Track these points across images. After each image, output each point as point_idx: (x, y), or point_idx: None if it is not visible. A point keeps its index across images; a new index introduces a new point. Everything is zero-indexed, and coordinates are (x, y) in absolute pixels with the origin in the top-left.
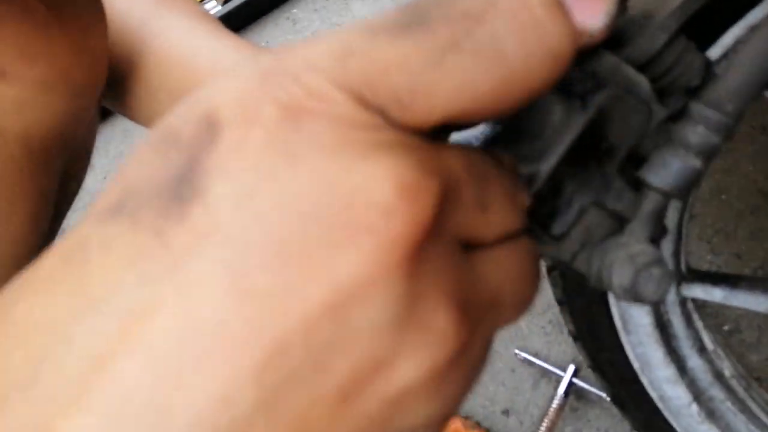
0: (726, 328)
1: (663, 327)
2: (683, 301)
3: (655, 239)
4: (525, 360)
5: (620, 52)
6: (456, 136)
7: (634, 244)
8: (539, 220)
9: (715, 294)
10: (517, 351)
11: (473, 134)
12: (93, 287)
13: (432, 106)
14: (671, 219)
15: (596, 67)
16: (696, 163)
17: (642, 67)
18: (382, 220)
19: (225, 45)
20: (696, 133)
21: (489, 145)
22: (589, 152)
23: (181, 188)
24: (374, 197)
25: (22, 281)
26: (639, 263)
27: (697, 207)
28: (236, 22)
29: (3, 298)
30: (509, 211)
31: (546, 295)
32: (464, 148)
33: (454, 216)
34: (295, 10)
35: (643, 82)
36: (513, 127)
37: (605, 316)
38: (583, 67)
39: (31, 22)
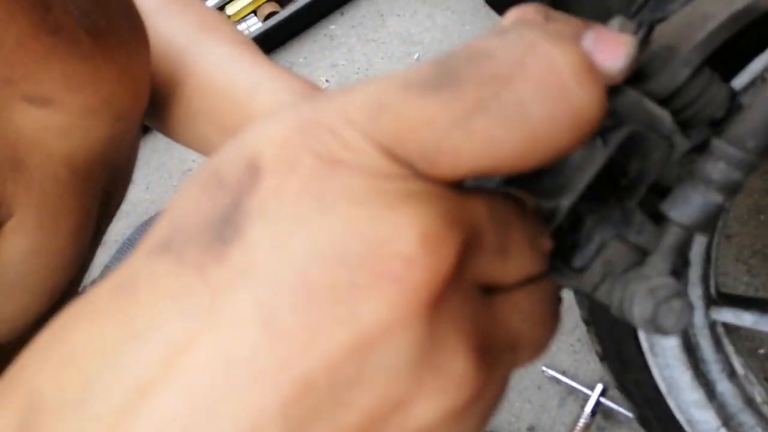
0: (762, 351)
1: (691, 350)
2: (713, 325)
3: (677, 271)
4: (552, 377)
5: (643, 86)
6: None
7: (655, 277)
8: (560, 253)
9: (745, 318)
10: (544, 368)
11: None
12: (140, 319)
13: (457, 164)
14: (699, 243)
15: (617, 103)
16: (717, 198)
17: (665, 101)
18: (405, 269)
19: (262, 72)
20: (717, 169)
21: (510, 182)
22: (609, 187)
23: (224, 228)
24: (398, 247)
25: (79, 308)
26: (659, 296)
27: (734, 227)
28: (276, 38)
29: (60, 322)
30: (529, 256)
31: (575, 313)
32: (486, 193)
33: (475, 262)
34: (332, 27)
35: (665, 116)
36: None
37: (632, 337)
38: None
39: (77, 52)
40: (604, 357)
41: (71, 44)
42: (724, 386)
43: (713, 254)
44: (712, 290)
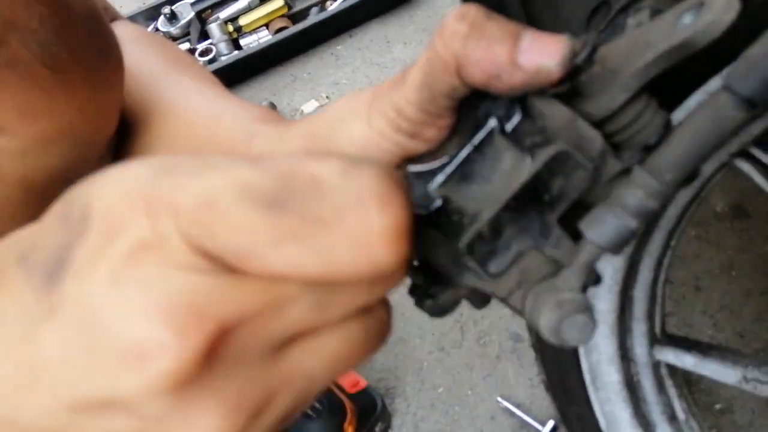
0: (718, 407)
1: (632, 388)
2: (656, 365)
3: (587, 287)
4: (506, 409)
5: (580, 106)
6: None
7: (565, 291)
8: (478, 257)
9: (686, 360)
10: (499, 399)
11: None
12: None
13: (263, 269)
14: (643, 280)
15: (549, 121)
16: (632, 223)
17: (599, 123)
18: (159, 353)
19: (224, 101)
20: (635, 196)
21: (445, 183)
22: (532, 201)
23: (58, 265)
24: (153, 334)
25: None
26: (566, 310)
27: (705, 280)
28: (284, 51)
29: None
30: (355, 304)
31: None
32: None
33: (263, 330)
34: (339, 47)
35: (595, 138)
36: (467, 167)
37: (575, 367)
38: (535, 121)
39: (33, 85)
40: (549, 387)
41: (27, 77)
42: (663, 429)
43: (658, 292)
44: (657, 329)
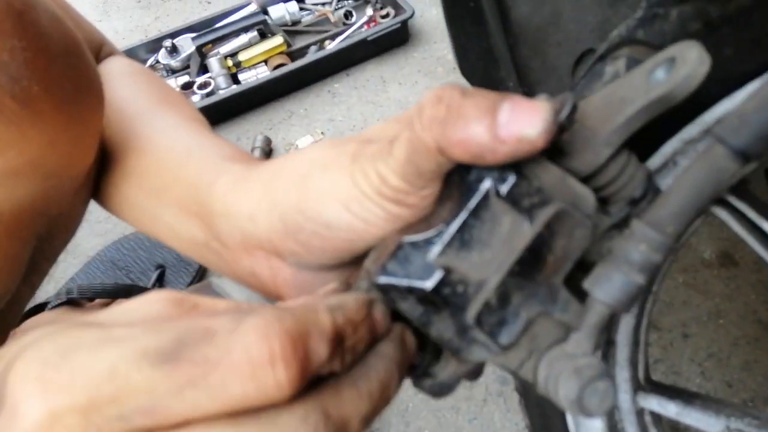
0: None
1: None
2: (640, 412)
3: (598, 349)
4: None
5: (566, 163)
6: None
7: (579, 357)
8: (488, 329)
9: (669, 408)
10: None
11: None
12: None
13: (171, 420)
14: (626, 324)
15: (543, 181)
16: (638, 278)
17: (586, 179)
18: None
19: (200, 139)
20: (638, 251)
21: (443, 252)
22: (536, 264)
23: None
24: None
25: None
26: (584, 377)
27: (692, 328)
28: (281, 87)
29: None
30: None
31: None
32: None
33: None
34: (336, 85)
35: (587, 195)
36: (465, 234)
37: (558, 414)
38: (531, 181)
39: (1, 116)
40: (531, 431)
41: None
42: None
43: (641, 338)
44: (641, 375)
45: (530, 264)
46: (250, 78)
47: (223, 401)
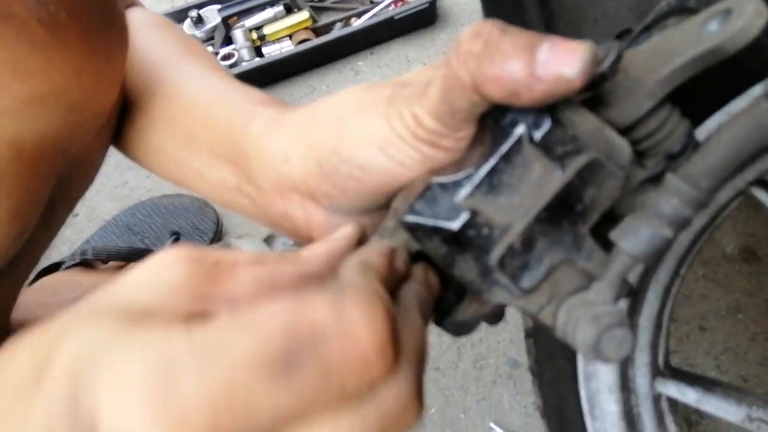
0: None
1: (632, 421)
2: (657, 398)
3: (619, 298)
4: None
5: (605, 113)
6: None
7: (599, 304)
8: (510, 272)
9: (688, 395)
10: (492, 425)
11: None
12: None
13: (288, 428)
14: (649, 307)
15: (579, 129)
16: (666, 232)
17: (625, 130)
18: None
19: (228, 85)
20: (670, 204)
21: (471, 195)
22: (563, 212)
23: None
24: None
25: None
26: (603, 324)
27: (710, 321)
28: (305, 62)
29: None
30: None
31: None
32: None
33: None
34: (360, 63)
35: (624, 146)
36: (495, 177)
37: (573, 394)
38: (566, 129)
39: (27, 41)
40: (544, 413)
41: (20, 32)
42: None
43: (664, 322)
44: (660, 361)
45: (558, 211)
46: (273, 52)
47: (339, 399)
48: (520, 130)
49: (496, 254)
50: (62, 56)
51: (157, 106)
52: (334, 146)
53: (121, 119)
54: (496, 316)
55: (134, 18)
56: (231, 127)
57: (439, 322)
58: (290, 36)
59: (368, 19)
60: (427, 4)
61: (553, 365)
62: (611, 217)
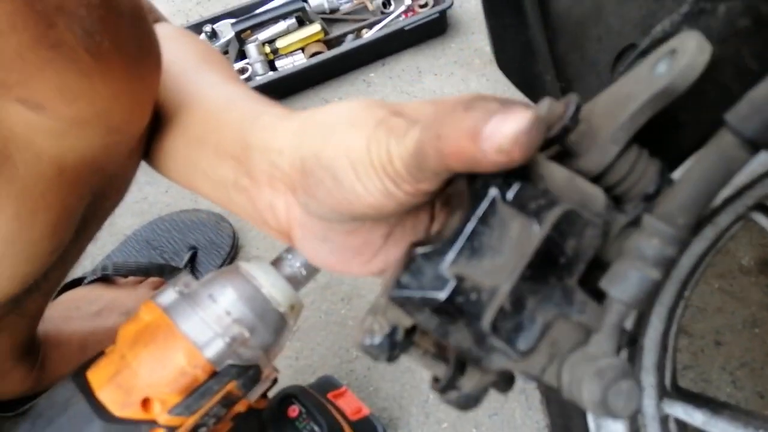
0: None
1: None
2: (664, 419)
3: (620, 349)
4: None
5: (575, 165)
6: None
7: (601, 358)
8: (504, 335)
9: (695, 417)
10: None
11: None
12: None
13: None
14: (654, 329)
15: (550, 183)
16: (654, 274)
17: (597, 178)
18: None
19: (243, 91)
20: (651, 246)
21: (457, 255)
22: (548, 267)
23: None
24: None
25: None
26: (607, 378)
27: (726, 335)
28: (317, 75)
29: None
30: None
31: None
32: None
33: None
34: (371, 74)
35: (597, 194)
36: (475, 241)
37: (580, 414)
38: (537, 184)
39: (74, 68)
40: (552, 431)
41: (69, 60)
42: None
43: (670, 343)
44: (667, 381)
45: (542, 267)
46: (286, 65)
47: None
48: (492, 192)
49: (487, 318)
50: (105, 82)
51: (175, 115)
52: (317, 150)
53: (149, 135)
54: (505, 383)
55: (159, 33)
56: (241, 125)
57: (443, 397)
58: (302, 49)
59: (379, 30)
60: (438, 15)
61: None
62: (600, 266)
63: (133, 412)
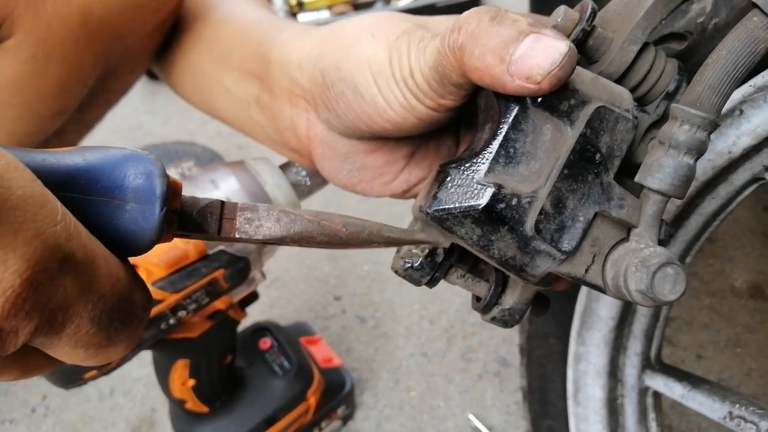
0: None
1: (614, 411)
2: (643, 391)
3: (663, 241)
4: (475, 429)
5: (596, 69)
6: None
7: (644, 249)
8: (548, 236)
9: (675, 390)
10: (471, 417)
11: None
12: None
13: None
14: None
15: (578, 83)
16: (687, 159)
17: (619, 80)
18: None
19: (275, 18)
20: (683, 131)
21: (491, 163)
22: (584, 165)
23: None
24: None
25: None
26: (652, 265)
27: (708, 350)
28: None
29: None
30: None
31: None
32: None
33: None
34: None
35: (623, 91)
36: (509, 148)
37: (559, 375)
38: (566, 85)
39: None
40: (527, 395)
41: None
42: None
43: (662, 313)
44: (653, 353)
45: (579, 166)
46: (309, 20)
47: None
48: (521, 97)
49: (530, 221)
50: None
51: (203, 29)
52: (338, 61)
53: (168, 40)
54: (541, 305)
55: None
56: (264, 41)
57: (486, 314)
58: (330, 7)
59: (411, 2)
60: None
61: (544, 344)
62: (629, 170)
63: None
